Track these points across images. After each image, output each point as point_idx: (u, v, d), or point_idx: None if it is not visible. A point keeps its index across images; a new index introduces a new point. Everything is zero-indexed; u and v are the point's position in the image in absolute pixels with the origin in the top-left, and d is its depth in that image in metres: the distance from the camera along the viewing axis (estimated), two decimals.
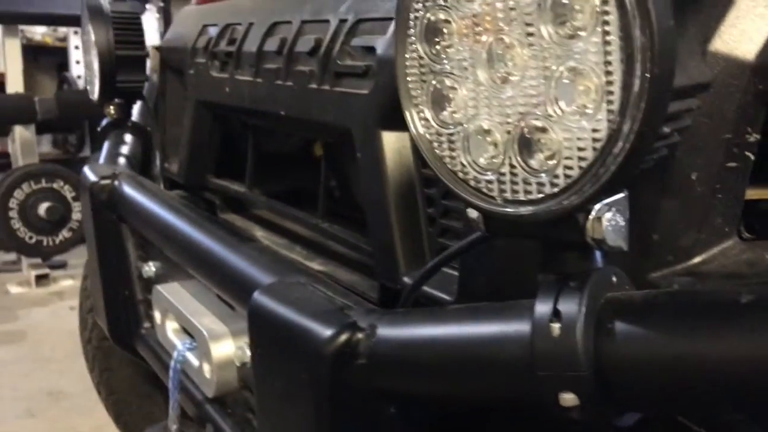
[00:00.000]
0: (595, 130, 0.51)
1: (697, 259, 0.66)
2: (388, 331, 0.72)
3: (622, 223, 0.56)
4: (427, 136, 0.63)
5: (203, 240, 1.09)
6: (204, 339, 1.09)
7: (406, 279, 0.91)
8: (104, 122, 1.79)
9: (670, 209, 0.66)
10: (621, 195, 0.57)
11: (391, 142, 0.94)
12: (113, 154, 1.74)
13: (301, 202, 1.32)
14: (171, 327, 1.26)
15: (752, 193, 0.76)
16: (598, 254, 0.61)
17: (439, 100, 0.62)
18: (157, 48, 1.69)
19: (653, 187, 0.66)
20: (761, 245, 0.66)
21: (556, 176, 0.54)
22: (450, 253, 0.79)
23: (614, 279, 0.62)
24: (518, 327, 0.61)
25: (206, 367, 1.10)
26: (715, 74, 0.63)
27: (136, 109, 1.85)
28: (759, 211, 0.75)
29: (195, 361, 1.14)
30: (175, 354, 1.18)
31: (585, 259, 0.61)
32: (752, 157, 0.66)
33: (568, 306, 0.58)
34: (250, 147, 1.38)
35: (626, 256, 0.68)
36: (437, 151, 0.63)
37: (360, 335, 0.73)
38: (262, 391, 0.84)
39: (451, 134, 0.61)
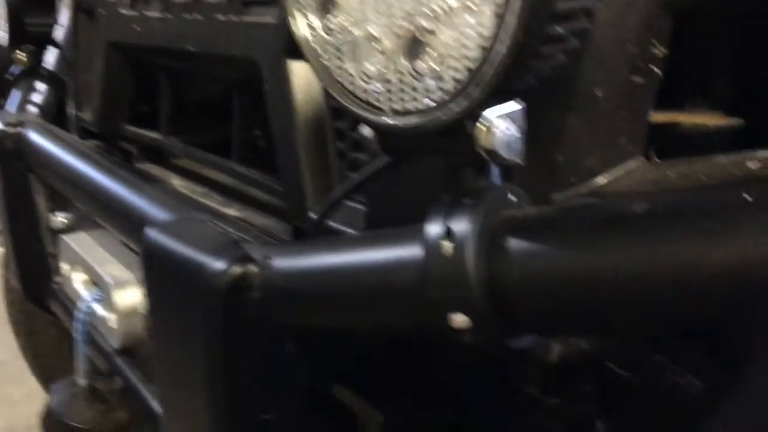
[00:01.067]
0: (480, 26, 0.47)
1: (601, 180, 0.64)
2: (282, 263, 0.68)
3: (517, 135, 0.53)
4: (314, 44, 0.58)
5: (105, 184, 1.03)
6: (108, 287, 1.03)
7: (311, 215, 0.86)
8: (14, 70, 1.68)
9: (573, 128, 0.63)
10: (517, 107, 0.54)
11: (299, 73, 0.89)
12: (24, 104, 1.64)
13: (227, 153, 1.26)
14: (79, 279, 1.20)
15: (663, 117, 0.74)
16: (495, 172, 0.58)
17: (325, 4, 0.57)
18: None
19: (556, 104, 0.63)
20: (666, 164, 0.64)
21: (444, 81, 0.51)
22: (352, 184, 0.75)
23: (512, 197, 0.59)
24: (411, 250, 0.58)
25: (111, 317, 1.04)
26: None
27: (50, 55, 1.74)
28: (671, 134, 0.73)
29: (101, 312, 1.09)
30: (81, 305, 1.12)
31: (482, 176, 0.58)
32: (658, 72, 0.63)
33: (460, 224, 0.54)
34: (164, 91, 1.31)
35: (529, 177, 0.65)
36: (324, 61, 0.58)
37: (254, 268, 0.68)
38: (157, 334, 0.80)
39: (338, 41, 0.57)
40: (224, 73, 1.16)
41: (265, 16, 0.93)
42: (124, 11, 1.28)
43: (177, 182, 1.34)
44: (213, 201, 1.22)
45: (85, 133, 1.56)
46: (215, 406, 0.73)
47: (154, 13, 1.18)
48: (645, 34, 0.61)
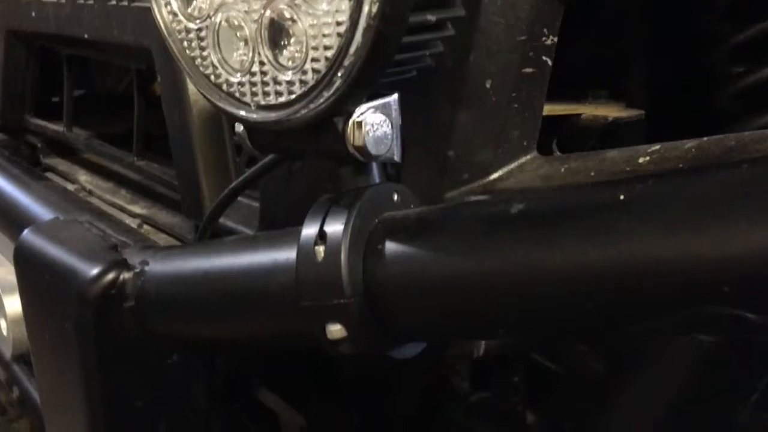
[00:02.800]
0: (338, 12, 0.43)
1: (494, 176, 0.61)
2: (159, 268, 0.63)
3: (388, 130, 0.49)
4: (177, 33, 0.53)
5: None
6: None
7: (206, 214, 0.81)
8: None
9: (465, 122, 0.60)
10: (389, 98, 0.50)
11: None
12: None
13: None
14: None
15: (564, 108, 0.71)
16: (375, 170, 0.54)
17: None
18: None
19: (446, 97, 0.60)
20: (559, 159, 0.61)
21: (305, 72, 0.46)
22: (243, 180, 0.70)
23: (396, 197, 0.55)
24: (287, 254, 0.54)
25: (2, 324, 0.97)
26: None
27: None
28: (570, 126, 0.71)
29: None
30: None
31: (361, 176, 0.54)
32: (549, 63, 0.60)
33: (335, 227, 0.51)
34: (66, 81, 1.24)
35: (421, 174, 0.62)
36: (188, 51, 0.53)
37: (128, 274, 0.63)
38: (34, 344, 0.74)
39: (200, 29, 0.52)
40: (123, 61, 1.10)
41: None
42: None
43: (84, 178, 1.27)
44: (120, 198, 1.16)
45: None
46: (94, 419, 0.67)
47: None
48: (535, 23, 0.58)
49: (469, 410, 0.72)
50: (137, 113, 1.05)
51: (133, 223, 1.02)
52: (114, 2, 0.94)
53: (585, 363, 0.67)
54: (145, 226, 1.03)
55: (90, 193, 1.19)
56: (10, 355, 0.99)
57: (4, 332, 0.98)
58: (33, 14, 1.17)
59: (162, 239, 0.98)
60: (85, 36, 1.02)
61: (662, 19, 0.77)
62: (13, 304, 0.95)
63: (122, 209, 1.11)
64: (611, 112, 0.69)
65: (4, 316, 0.96)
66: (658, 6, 0.76)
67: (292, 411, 0.86)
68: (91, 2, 0.99)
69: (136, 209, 1.10)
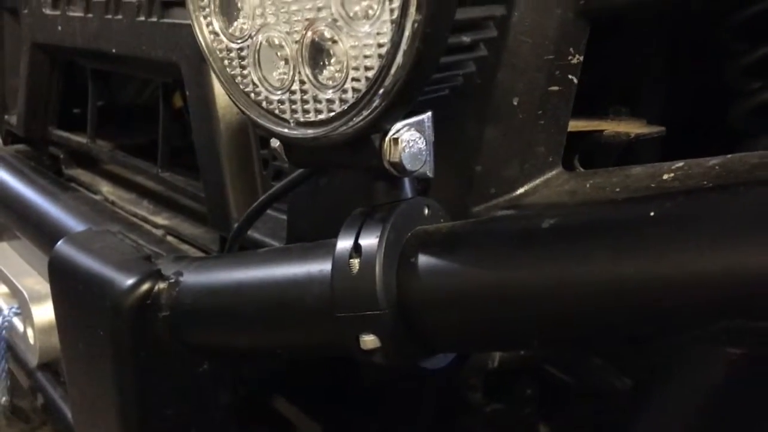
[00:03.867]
0: (379, 34, 0.45)
1: (520, 191, 0.62)
2: (193, 279, 0.65)
3: (422, 146, 0.51)
4: (218, 51, 0.55)
5: (20, 193, 0.98)
6: (25, 301, 0.98)
7: (235, 226, 0.83)
8: None
9: (492, 138, 0.62)
10: (424, 116, 0.52)
11: None
12: None
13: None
14: None
15: (586, 124, 0.73)
16: (407, 185, 0.56)
17: (228, 9, 0.54)
18: None
19: (474, 114, 0.61)
20: (584, 174, 0.62)
21: (345, 91, 0.48)
22: (272, 194, 0.72)
23: (426, 211, 0.57)
24: (321, 266, 0.55)
25: (29, 333, 0.99)
26: None
27: None
28: (593, 142, 0.72)
29: (21, 327, 1.04)
30: None
31: (394, 190, 0.55)
32: (575, 81, 0.62)
33: (369, 240, 0.52)
34: (90, 94, 1.26)
35: (450, 189, 0.64)
36: (228, 69, 0.55)
37: (163, 285, 0.65)
38: (67, 354, 0.76)
39: (241, 49, 0.54)
40: (149, 75, 1.12)
41: (186, 18, 0.90)
42: (47, 11, 1.23)
43: (106, 189, 1.29)
44: (143, 209, 1.18)
45: (12, 138, 1.49)
46: (125, 427, 0.69)
47: (76, 13, 1.13)
48: (561, 42, 0.60)
49: (483, 422, 0.73)
50: (162, 126, 1.07)
51: (156, 233, 1.04)
52: (143, 18, 0.96)
53: (598, 376, 0.68)
54: (169, 237, 1.05)
55: (113, 203, 1.21)
56: (35, 363, 1.01)
57: (31, 341, 1.00)
58: (59, 28, 1.20)
59: (185, 250, 1.00)
60: (113, 51, 1.04)
61: (680, 37, 0.78)
62: (41, 314, 0.97)
63: (145, 220, 1.12)
64: (632, 128, 0.71)
65: (32, 325, 0.98)
66: (676, 24, 0.77)
67: (309, 421, 0.87)
68: (120, 18, 1.01)
69: (159, 220, 1.12)
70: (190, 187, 1.05)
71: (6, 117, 1.50)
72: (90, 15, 1.09)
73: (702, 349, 0.43)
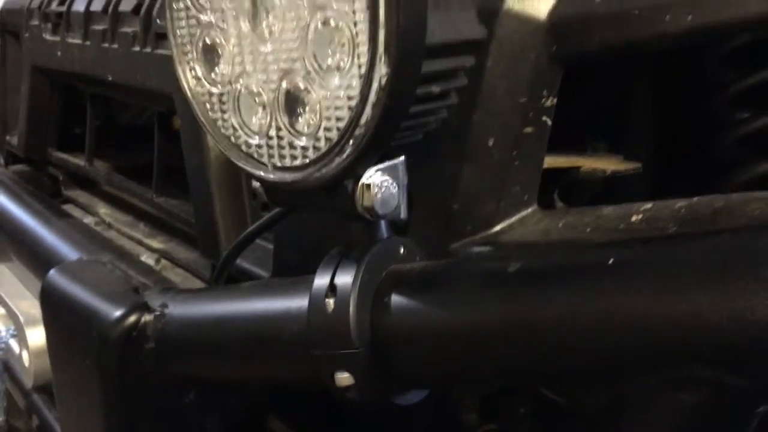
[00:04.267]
0: (349, 87, 0.47)
1: (496, 228, 0.64)
2: (177, 311, 0.66)
3: (394, 191, 0.52)
4: (200, 95, 0.57)
5: (16, 216, 1.00)
6: (20, 324, 1.00)
7: (223, 256, 0.85)
8: None
9: (468, 177, 0.63)
10: (397, 160, 0.54)
11: None
12: None
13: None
14: None
15: (564, 161, 0.74)
16: (383, 225, 0.58)
17: (209, 56, 0.56)
18: None
19: (451, 154, 0.63)
20: (557, 213, 0.64)
21: (318, 139, 0.50)
22: (258, 226, 0.74)
23: (402, 250, 0.58)
24: (300, 303, 0.57)
25: (24, 355, 1.01)
26: (507, 34, 0.60)
27: None
28: (570, 178, 0.74)
29: (16, 349, 1.05)
30: None
31: (369, 230, 0.57)
32: (549, 122, 0.63)
33: (344, 279, 0.54)
34: (89, 117, 1.29)
35: (426, 227, 0.65)
36: (210, 113, 0.57)
37: (149, 317, 0.67)
38: (58, 380, 0.77)
39: (221, 94, 0.56)
40: (145, 103, 1.15)
41: None
42: (47, 36, 1.26)
43: (103, 210, 1.31)
44: (138, 232, 1.20)
45: (12, 158, 1.52)
46: None
47: (75, 40, 1.16)
48: (535, 85, 0.61)
49: None
50: (157, 152, 1.09)
51: (151, 257, 1.06)
52: (137, 48, 0.99)
53: (591, 396, 0.69)
54: (163, 261, 1.07)
55: (109, 225, 1.23)
56: (30, 385, 1.03)
57: (26, 363, 1.02)
58: (58, 54, 1.22)
59: (179, 274, 1.01)
60: (109, 78, 1.07)
61: (661, 70, 0.80)
62: (36, 337, 0.99)
63: (140, 242, 1.14)
64: (609, 164, 0.72)
65: (27, 348, 0.99)
66: (656, 57, 0.79)
67: None
68: (116, 47, 1.04)
69: (154, 243, 1.14)
70: (183, 212, 1.07)
71: (7, 138, 1.53)
72: (88, 42, 1.11)
73: (656, 396, 0.44)
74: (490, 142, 0.62)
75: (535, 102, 0.62)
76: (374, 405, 0.57)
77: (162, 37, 0.95)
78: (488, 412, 0.74)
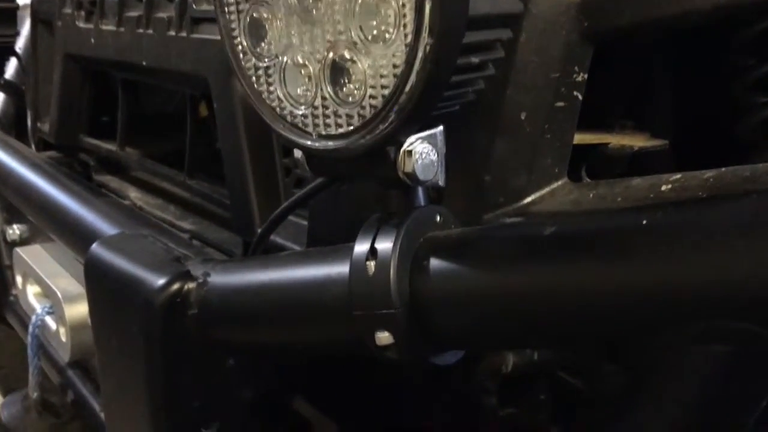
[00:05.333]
0: (394, 56, 0.49)
1: (527, 200, 0.66)
2: (220, 279, 0.69)
3: (434, 158, 0.55)
4: (246, 69, 0.60)
5: (55, 197, 1.03)
6: (59, 300, 1.03)
7: (259, 231, 0.88)
8: None
9: (500, 150, 0.66)
10: (436, 130, 0.56)
11: None
12: None
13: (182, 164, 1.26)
14: (32, 291, 1.20)
15: (592, 138, 0.76)
16: (420, 193, 0.60)
17: (256, 31, 0.59)
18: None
19: (484, 127, 0.65)
20: (587, 185, 0.66)
21: (363, 107, 0.53)
22: (294, 201, 0.76)
23: (438, 218, 0.61)
24: (340, 269, 0.60)
25: (62, 330, 1.05)
26: (541, 10, 0.62)
27: (10, 67, 1.74)
28: (598, 154, 0.76)
29: (53, 325, 1.09)
30: (33, 318, 1.12)
31: (408, 198, 0.60)
32: (580, 97, 0.65)
33: (384, 244, 0.56)
34: (120, 103, 1.32)
35: (461, 198, 0.68)
36: (256, 86, 0.60)
37: (192, 284, 0.70)
38: (100, 348, 0.80)
39: (268, 67, 0.58)
40: (178, 87, 1.18)
41: (214, 33, 0.95)
42: (80, 24, 1.29)
43: (134, 194, 1.34)
44: (169, 214, 1.23)
45: (44, 144, 1.56)
46: (155, 419, 0.73)
47: (108, 27, 1.19)
48: (567, 61, 0.64)
49: (497, 426, 0.77)
50: (189, 135, 1.12)
51: (183, 237, 1.08)
52: (173, 33, 1.01)
53: (610, 382, 0.71)
54: (194, 241, 1.10)
55: (140, 209, 1.27)
56: (67, 360, 1.06)
57: (63, 338, 1.05)
58: (92, 41, 1.26)
59: (211, 253, 1.04)
60: (144, 63, 1.10)
61: (685, 52, 0.82)
62: (74, 312, 1.03)
63: (172, 225, 1.17)
64: (637, 141, 0.74)
65: (65, 323, 1.03)
66: (681, 40, 0.81)
67: (325, 420, 0.91)
68: (150, 32, 1.07)
69: (185, 225, 1.17)
70: (215, 193, 1.10)
71: (39, 124, 1.57)
72: (122, 29, 1.15)
73: (690, 348, 0.46)
74: (523, 116, 0.65)
75: (566, 77, 0.64)
76: (412, 365, 0.59)
77: (197, 21, 0.98)
78: (508, 396, 0.76)
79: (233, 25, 0.60)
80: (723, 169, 0.58)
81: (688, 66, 0.82)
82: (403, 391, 0.83)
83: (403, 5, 0.47)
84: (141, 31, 1.09)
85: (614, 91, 0.79)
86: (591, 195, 0.64)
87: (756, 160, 0.76)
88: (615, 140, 0.75)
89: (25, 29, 1.70)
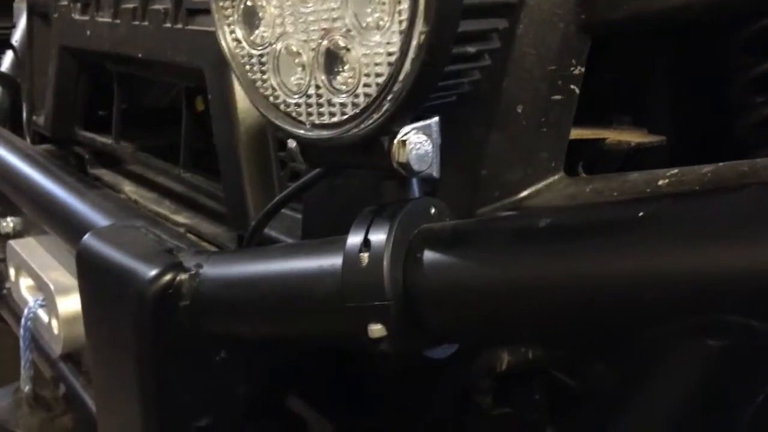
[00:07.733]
0: (389, 44, 0.49)
1: (523, 194, 0.65)
2: (212, 271, 0.69)
3: (429, 149, 0.54)
4: (239, 57, 0.59)
5: (48, 189, 1.02)
6: (51, 293, 1.03)
7: (253, 223, 0.87)
8: None
9: (497, 143, 0.65)
10: (431, 120, 0.56)
11: None
12: None
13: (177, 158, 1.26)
14: (25, 284, 1.19)
15: (589, 133, 0.76)
16: (415, 185, 0.60)
17: (250, 18, 0.58)
18: None
19: (480, 120, 0.65)
20: (584, 180, 0.66)
21: (357, 95, 0.52)
22: (289, 193, 0.76)
23: (433, 210, 0.60)
24: (333, 260, 0.59)
25: (54, 323, 1.04)
26: (538, 1, 0.61)
27: (6, 59, 1.73)
28: (595, 150, 0.75)
29: (45, 318, 1.08)
30: (25, 311, 1.11)
31: (402, 190, 0.59)
32: (576, 91, 0.65)
33: (378, 236, 0.56)
34: (115, 96, 1.31)
35: (455, 191, 0.67)
36: (249, 75, 0.59)
37: (184, 276, 0.69)
38: (92, 339, 0.80)
39: (261, 55, 0.58)
40: (173, 79, 1.17)
41: (210, 25, 0.94)
42: (76, 16, 1.28)
43: (129, 188, 1.33)
44: (164, 208, 1.22)
45: (39, 137, 1.55)
46: (146, 411, 0.73)
47: (104, 19, 1.18)
48: (564, 54, 0.63)
49: (490, 425, 0.76)
50: (185, 128, 1.11)
51: (177, 230, 1.08)
52: (169, 25, 1.01)
53: (604, 381, 0.71)
54: (189, 235, 1.09)
55: (135, 202, 1.26)
56: (59, 353, 1.06)
57: (55, 331, 1.04)
58: (87, 33, 1.25)
59: (205, 246, 1.04)
60: (139, 55, 1.09)
61: (683, 50, 0.81)
62: (66, 305, 1.02)
63: (166, 218, 1.17)
64: (634, 137, 0.74)
65: (57, 315, 1.02)
66: (678, 37, 0.80)
67: (320, 419, 0.90)
68: (146, 24, 1.06)
69: (180, 219, 1.16)
70: (210, 187, 1.09)
71: (34, 117, 1.56)
72: (118, 21, 1.14)
73: (684, 343, 0.46)
74: (519, 109, 0.64)
75: (563, 70, 0.64)
76: (405, 358, 0.58)
77: (193, 13, 0.97)
78: (502, 395, 0.75)
79: (227, 13, 0.60)
80: (721, 164, 0.57)
81: (687, 63, 0.82)
82: (398, 390, 0.82)
83: None
84: (137, 23, 1.08)
85: (611, 85, 0.79)
86: (587, 189, 0.63)
87: (753, 158, 0.76)
88: (612, 136, 0.75)
89: (22, 21, 1.69)
